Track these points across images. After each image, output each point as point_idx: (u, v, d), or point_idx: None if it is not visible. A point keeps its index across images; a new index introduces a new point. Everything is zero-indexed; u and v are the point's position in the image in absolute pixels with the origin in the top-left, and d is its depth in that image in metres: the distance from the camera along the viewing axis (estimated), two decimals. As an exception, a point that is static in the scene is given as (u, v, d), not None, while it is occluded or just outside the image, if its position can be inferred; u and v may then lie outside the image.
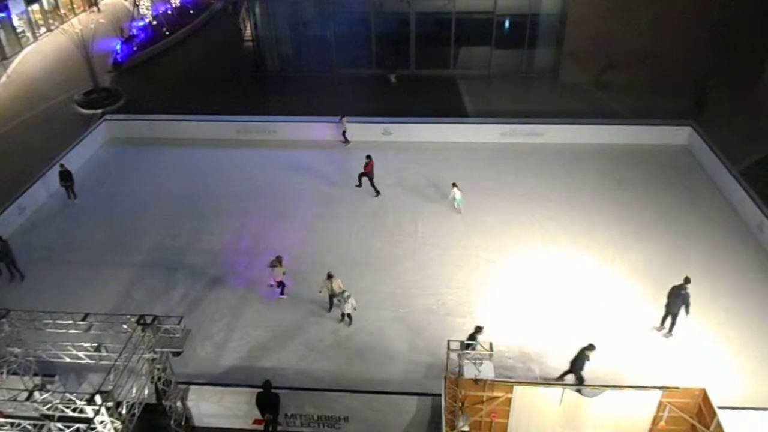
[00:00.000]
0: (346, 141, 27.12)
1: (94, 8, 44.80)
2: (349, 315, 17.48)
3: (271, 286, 18.63)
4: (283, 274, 18.37)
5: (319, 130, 27.53)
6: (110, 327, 13.50)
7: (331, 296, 17.73)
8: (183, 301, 18.68)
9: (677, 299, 16.41)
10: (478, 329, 15.28)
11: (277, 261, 18.34)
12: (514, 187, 23.70)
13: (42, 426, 11.77)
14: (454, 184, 22.14)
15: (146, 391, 13.47)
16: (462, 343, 14.00)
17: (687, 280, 16.41)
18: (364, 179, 23.59)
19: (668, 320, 16.90)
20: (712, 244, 20.36)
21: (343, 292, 17.23)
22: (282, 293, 18.64)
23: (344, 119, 26.87)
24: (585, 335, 16.91)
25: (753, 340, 16.86)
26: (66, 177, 23.17)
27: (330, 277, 17.43)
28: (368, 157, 23.36)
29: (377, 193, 23.45)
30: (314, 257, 20.36)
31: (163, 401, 14.47)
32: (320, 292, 17.84)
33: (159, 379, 13.92)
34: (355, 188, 23.73)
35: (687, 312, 16.40)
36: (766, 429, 14.00)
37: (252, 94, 33.19)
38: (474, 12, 33.89)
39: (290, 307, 18.38)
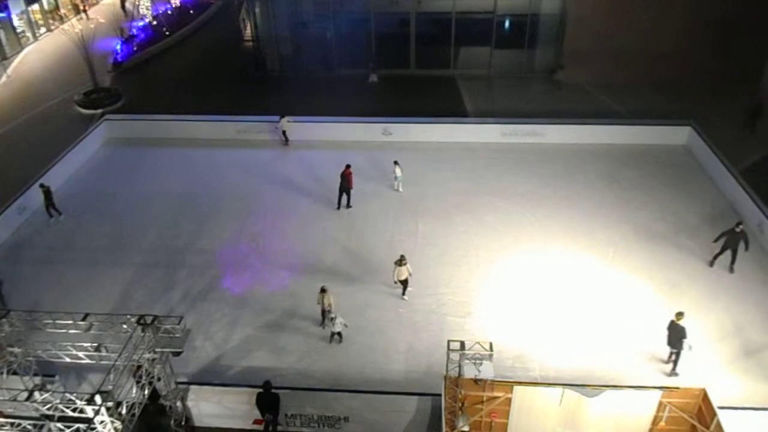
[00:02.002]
0: (286, 141, 27.22)
1: (83, 15, 44.51)
2: (339, 333, 16.99)
3: (396, 283, 18.32)
4: (410, 274, 18.11)
5: (319, 130, 27.53)
6: (110, 327, 13.50)
7: (324, 311, 17.28)
8: (183, 301, 18.69)
9: (733, 238, 18.66)
10: (680, 315, 15.41)
11: (402, 260, 17.84)
12: (514, 187, 23.70)
13: (42, 426, 11.77)
14: (395, 162, 23.24)
15: (146, 391, 13.46)
16: (462, 343, 13.90)
17: (738, 223, 18.82)
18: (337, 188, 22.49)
19: (719, 259, 19.22)
20: (712, 244, 20.32)
21: (330, 311, 16.83)
22: (404, 293, 18.41)
23: (285, 119, 26.91)
24: (584, 335, 17.02)
25: (753, 340, 16.87)
26: (47, 195, 22.08)
27: (323, 291, 17.04)
28: (348, 166, 22.41)
29: (348, 205, 22.68)
30: (314, 257, 20.37)
31: (162, 401, 14.48)
32: (319, 303, 17.41)
33: (159, 379, 13.91)
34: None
35: (746, 248, 18.67)
36: (766, 429, 14.00)
37: (252, 94, 33.18)
38: (474, 12, 33.89)
39: (290, 306, 18.37)
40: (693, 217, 21.73)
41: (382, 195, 23.49)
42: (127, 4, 45.68)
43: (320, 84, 33.69)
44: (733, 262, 19.20)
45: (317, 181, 24.49)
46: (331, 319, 16.72)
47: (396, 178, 23.55)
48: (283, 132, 27.14)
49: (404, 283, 18.31)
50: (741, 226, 18.74)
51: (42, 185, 22.30)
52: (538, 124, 26.91)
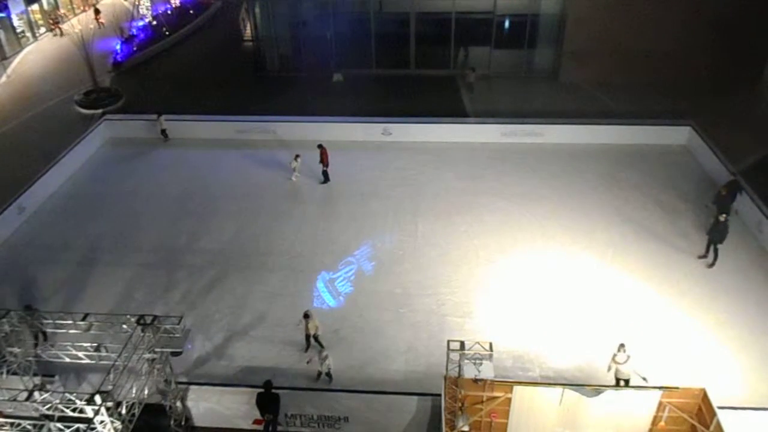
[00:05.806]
0: (166, 138, 27.74)
1: (58, 29, 43.86)
2: (327, 373, 15.89)
3: None
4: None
5: (319, 130, 27.51)
6: (110, 327, 13.50)
7: (308, 336, 16.64)
8: (183, 301, 18.69)
9: (716, 228, 18.92)
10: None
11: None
12: (514, 187, 23.70)
13: (42, 426, 11.76)
14: (297, 156, 24.21)
15: (146, 391, 13.46)
16: (462, 343, 13.92)
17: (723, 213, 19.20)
18: (320, 167, 24.03)
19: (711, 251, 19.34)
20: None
21: (321, 351, 15.93)
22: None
23: (162, 117, 27.38)
24: (584, 335, 17.02)
25: (753, 340, 16.87)
26: None
27: (307, 316, 16.34)
28: (320, 146, 23.71)
29: (326, 180, 24.11)
30: (314, 257, 20.37)
31: (162, 401, 14.48)
32: (298, 325, 16.90)
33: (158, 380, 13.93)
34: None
35: (721, 241, 18.94)
36: (766, 429, 14.00)
37: (252, 94, 33.17)
38: (474, 12, 33.89)
39: (290, 306, 18.36)
40: (692, 217, 21.73)
41: (382, 195, 23.48)
42: (132, 8, 45.24)
43: (319, 84, 33.63)
44: (715, 257, 19.17)
45: (315, 181, 24.47)
46: (324, 358, 15.69)
47: (294, 169, 24.31)
48: (162, 130, 27.55)
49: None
50: (725, 215, 18.78)
51: None
52: (538, 124, 26.91)
